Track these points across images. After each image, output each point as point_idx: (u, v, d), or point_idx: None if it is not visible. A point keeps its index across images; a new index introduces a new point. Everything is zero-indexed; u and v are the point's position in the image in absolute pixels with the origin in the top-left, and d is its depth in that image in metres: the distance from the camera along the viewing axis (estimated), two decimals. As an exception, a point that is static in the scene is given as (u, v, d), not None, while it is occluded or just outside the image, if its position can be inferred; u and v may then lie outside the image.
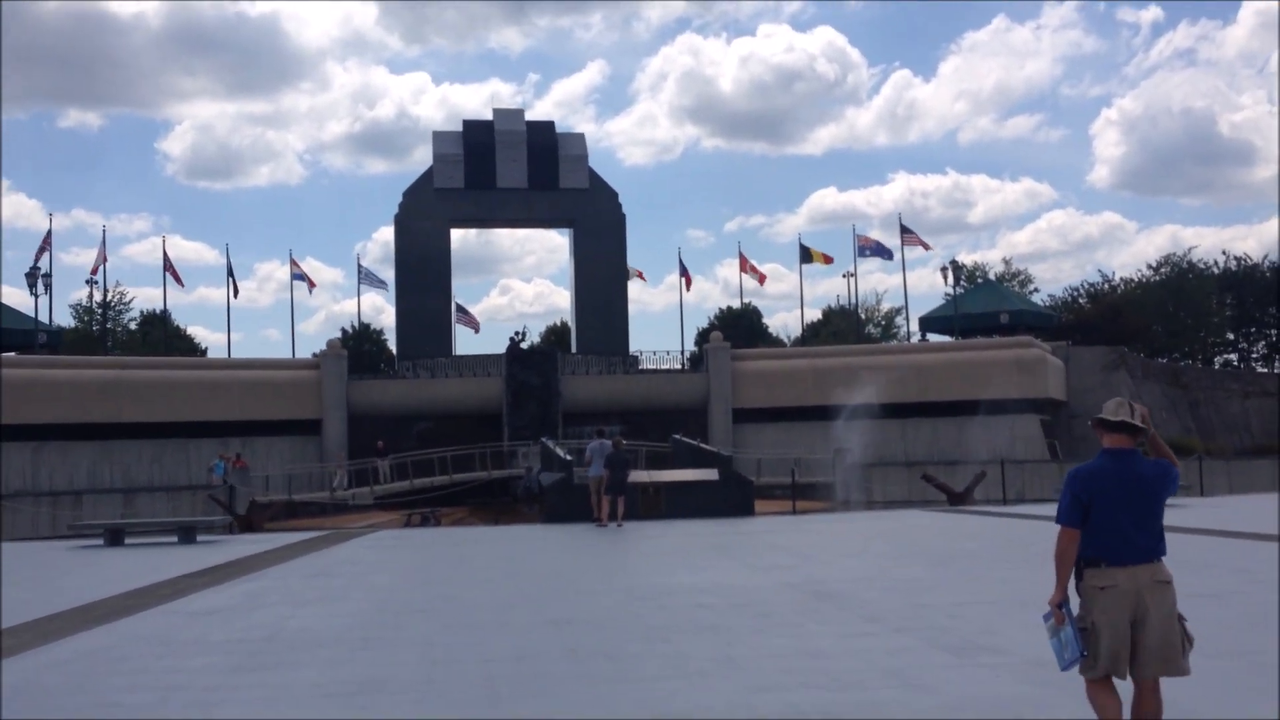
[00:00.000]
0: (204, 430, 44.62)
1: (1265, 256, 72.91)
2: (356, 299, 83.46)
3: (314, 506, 39.34)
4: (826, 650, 8.18)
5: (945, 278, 57.16)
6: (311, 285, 61.76)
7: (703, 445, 28.00)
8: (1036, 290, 74.62)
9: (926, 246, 58.14)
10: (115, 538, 19.93)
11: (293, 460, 45.04)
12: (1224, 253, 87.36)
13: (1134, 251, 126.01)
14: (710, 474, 23.55)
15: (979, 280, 70.14)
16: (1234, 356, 73.05)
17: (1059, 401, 51.27)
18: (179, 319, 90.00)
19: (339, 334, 64.73)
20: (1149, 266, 73.66)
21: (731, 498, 23.18)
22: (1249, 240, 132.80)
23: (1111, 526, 4.99)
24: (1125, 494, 5.01)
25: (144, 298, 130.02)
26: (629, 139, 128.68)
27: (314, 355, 48.70)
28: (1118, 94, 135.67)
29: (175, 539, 20.44)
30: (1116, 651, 4.97)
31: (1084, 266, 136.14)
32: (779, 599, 10.91)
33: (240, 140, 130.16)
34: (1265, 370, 69.19)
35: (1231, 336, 70.93)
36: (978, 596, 10.67)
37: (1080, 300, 72.20)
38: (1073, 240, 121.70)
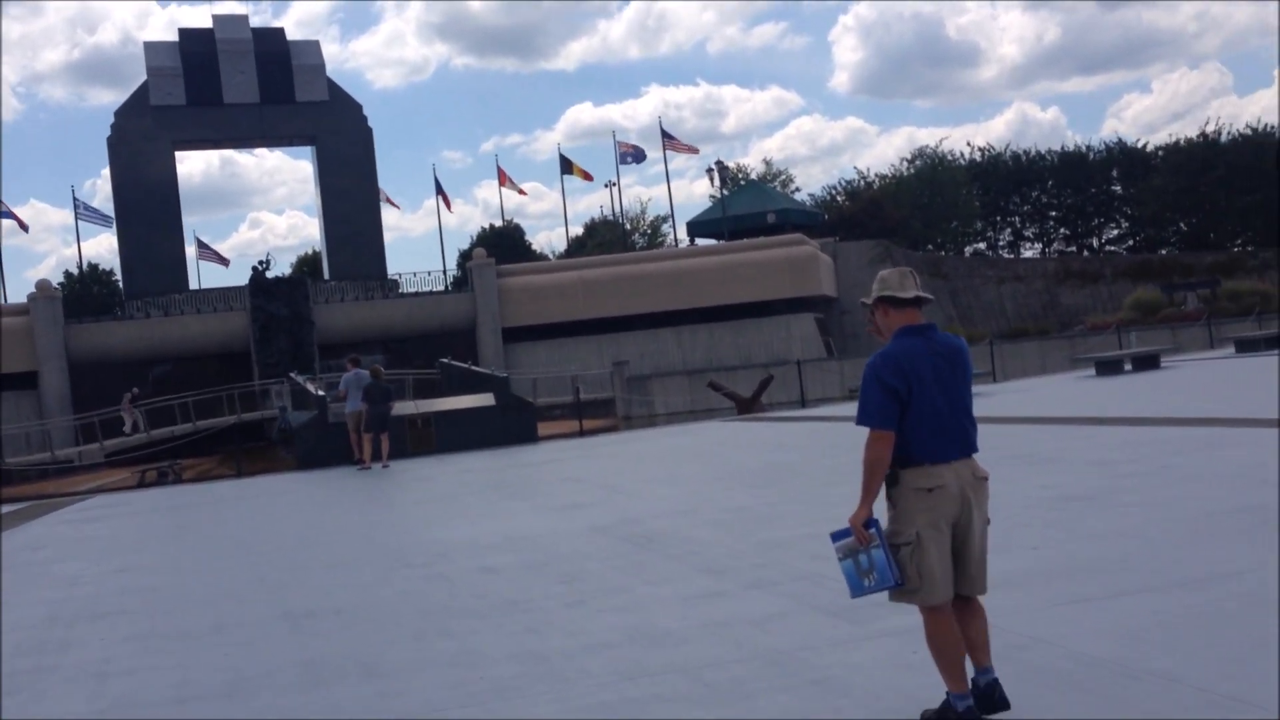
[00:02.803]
0: (-108, 394, 38.56)
1: (1007, 146, 75.39)
2: (76, 239, 75.69)
3: (35, 471, 34.42)
4: (672, 631, 5.90)
5: (711, 179, 56.00)
6: (23, 226, 54.58)
7: (475, 368, 25.32)
8: (799, 190, 74.72)
9: (693, 150, 56.64)
10: None
11: (6, 419, 39.58)
12: (968, 144, 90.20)
13: (876, 154, 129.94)
14: (486, 399, 20.96)
15: (742, 183, 69.46)
16: (983, 245, 75.60)
17: (831, 298, 51.13)
18: None
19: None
20: (904, 160, 74.92)
21: (511, 425, 20.70)
22: (978, 139, 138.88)
23: (932, 417, 4.08)
24: (938, 377, 4.12)
25: None
26: (377, 59, 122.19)
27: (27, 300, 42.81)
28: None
29: None
30: (948, 567, 4.08)
31: (829, 171, 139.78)
32: (589, 550, 8.59)
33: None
34: (1011, 256, 71.87)
35: (980, 225, 73.17)
36: (828, 526, 8.59)
37: (839, 199, 72.76)
38: (820, 146, 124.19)
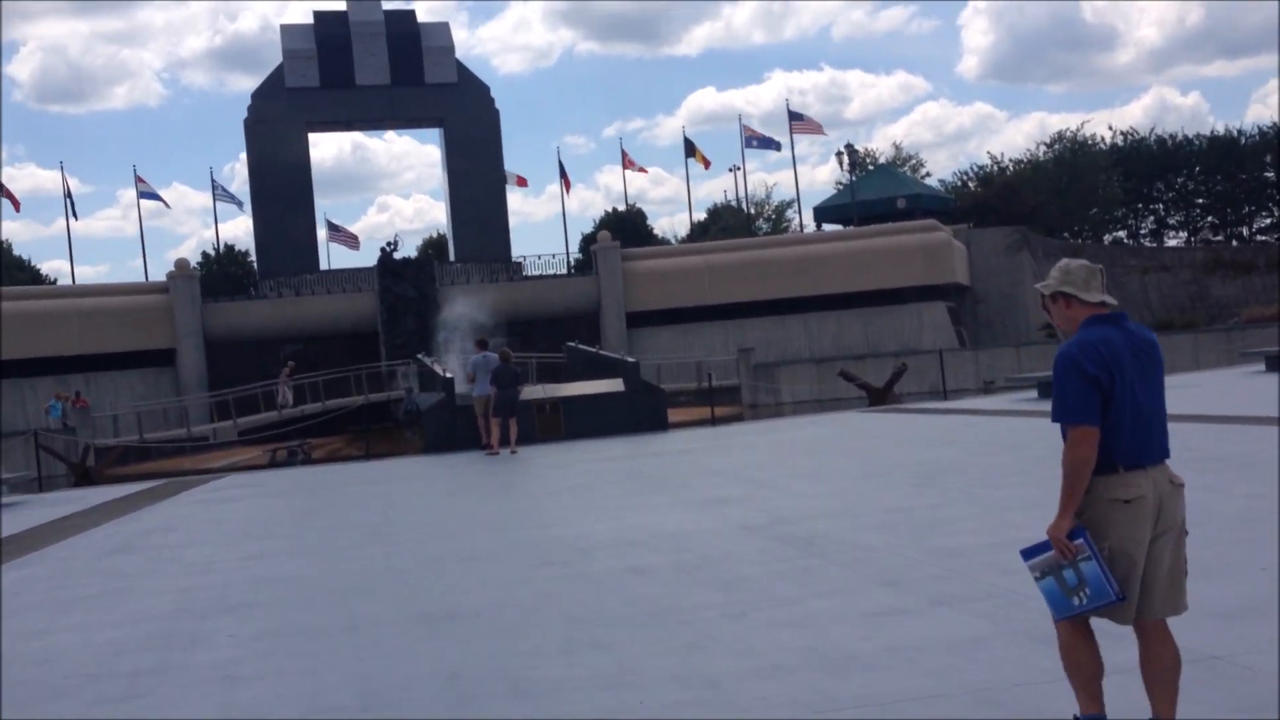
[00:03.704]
0: (41, 368, 39.86)
1: (1151, 130, 72.07)
2: (214, 221, 77.91)
3: (171, 446, 35.19)
4: (856, 655, 5.18)
5: (840, 162, 54.55)
6: (156, 198, 56.04)
7: (603, 352, 24.78)
8: (928, 175, 72.61)
9: (821, 131, 55.28)
10: (-114, 507, 16.03)
11: (145, 396, 40.66)
12: (1110, 127, 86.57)
13: (1005, 140, 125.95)
14: (615, 385, 20.39)
15: (870, 167, 67.74)
16: (1123, 233, 72.46)
17: (964, 287, 49.38)
18: (35, 256, 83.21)
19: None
20: (1040, 144, 72.16)
21: (641, 411, 20.10)
22: (1118, 124, 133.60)
23: (1133, 414, 3.65)
24: (1138, 373, 3.70)
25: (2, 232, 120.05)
26: (503, 45, 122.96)
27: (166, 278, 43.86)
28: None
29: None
30: (1136, 588, 3.64)
31: (956, 158, 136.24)
32: (744, 553, 7.90)
33: (93, 60, 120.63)
34: (1154, 245, 68.69)
35: (1121, 213, 70.09)
36: (1008, 534, 7.72)
37: (971, 184, 70.46)
38: (946, 132, 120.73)
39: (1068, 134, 69.14)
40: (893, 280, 45.48)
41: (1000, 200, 58.76)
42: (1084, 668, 3.74)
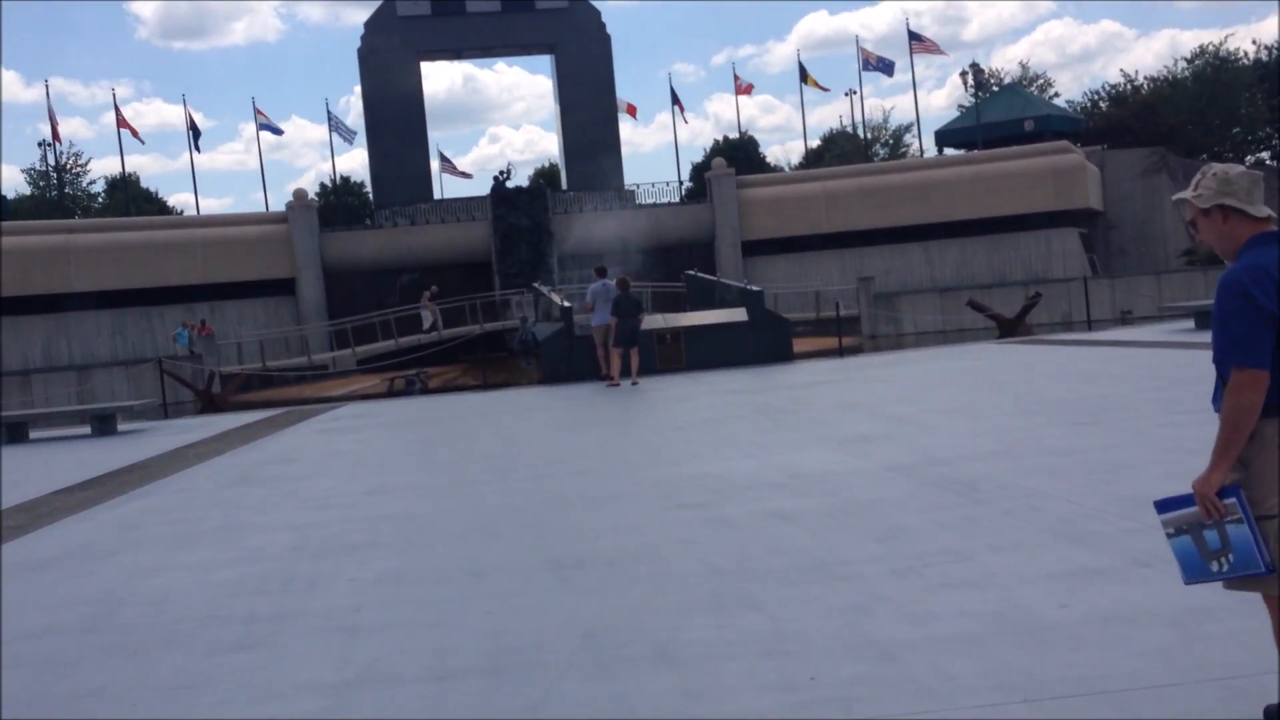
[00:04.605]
0: (168, 296, 40.81)
1: (1300, 44, 67.50)
2: (330, 153, 78.62)
3: (292, 374, 35.67)
4: (1055, 624, 4.47)
5: (965, 83, 52.31)
6: (278, 132, 56.57)
7: (726, 280, 23.99)
8: (1057, 96, 69.35)
9: (941, 52, 52.99)
10: (16, 433, 16.27)
11: (267, 324, 41.33)
12: (1254, 42, 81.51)
13: (1133, 60, 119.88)
14: (738, 314, 19.66)
15: (994, 89, 64.95)
16: (1266, 154, 68.42)
17: (1096, 212, 47.13)
18: (162, 189, 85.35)
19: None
20: (1181, 60, 68.28)
21: (765, 342, 19.35)
22: (1246, 42, 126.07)
23: None
24: None
25: (130, 166, 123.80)
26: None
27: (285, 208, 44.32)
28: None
29: (89, 430, 16.77)
30: None
31: (1081, 79, 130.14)
32: (898, 497, 7.20)
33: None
34: (1302, 168, 64.67)
35: (1265, 132, 66.09)
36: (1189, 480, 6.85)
37: (1102, 105, 67.14)
38: (1070, 52, 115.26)
39: (1209, 49, 65.17)
40: (1020, 206, 43.62)
41: (1136, 120, 55.87)
42: None
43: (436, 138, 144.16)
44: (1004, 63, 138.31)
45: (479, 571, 6.18)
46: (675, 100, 59.29)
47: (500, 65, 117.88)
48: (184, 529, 8.20)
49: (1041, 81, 70.66)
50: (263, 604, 5.84)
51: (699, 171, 66.46)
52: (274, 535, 7.68)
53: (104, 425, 16.48)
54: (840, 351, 22.36)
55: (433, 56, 53.30)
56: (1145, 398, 10.88)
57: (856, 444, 9.50)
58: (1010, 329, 26.71)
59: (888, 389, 14.05)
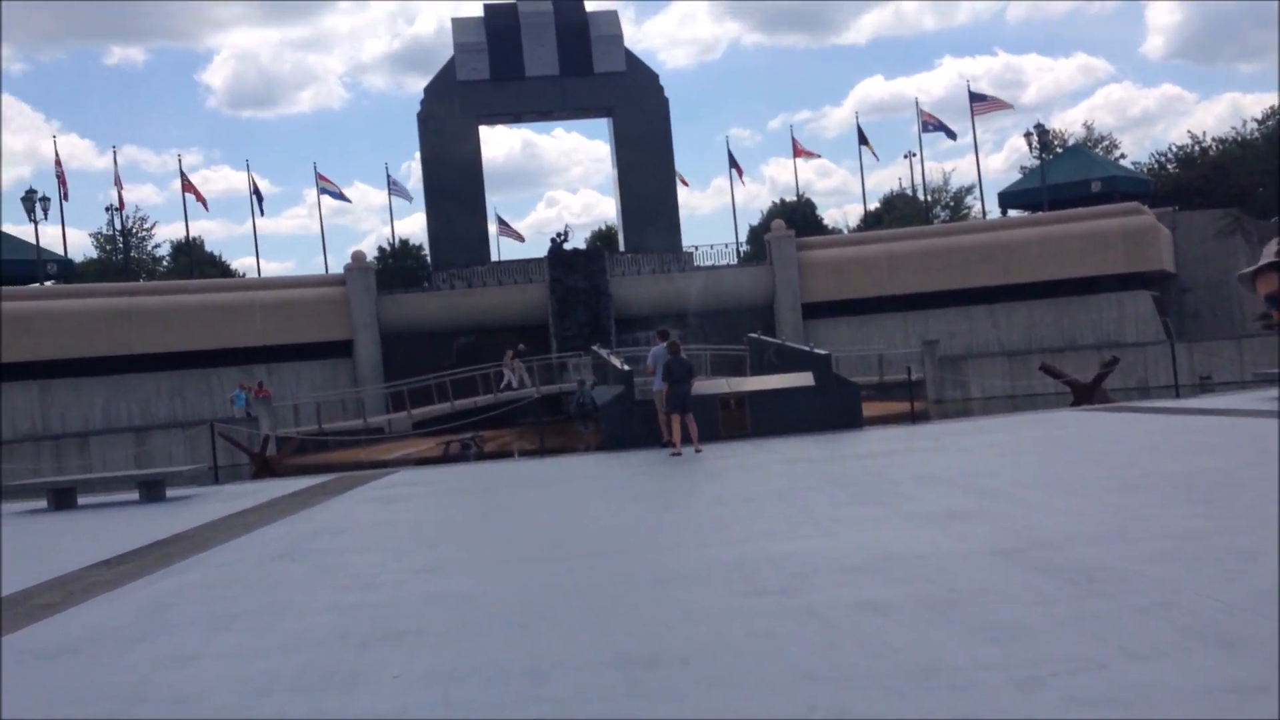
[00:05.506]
0: (226, 358, 40.93)
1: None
2: (390, 216, 79.38)
3: (348, 437, 35.40)
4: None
5: (1030, 143, 51.54)
6: (344, 197, 57.07)
7: (791, 344, 23.30)
8: (1123, 157, 68.25)
9: (1007, 105, 52.24)
10: (64, 499, 15.91)
11: (324, 386, 41.25)
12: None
13: (1194, 123, 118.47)
14: (804, 379, 18.96)
15: (1058, 150, 64.03)
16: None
17: (1169, 274, 45.88)
18: (226, 253, 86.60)
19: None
20: (1252, 121, 66.99)
21: (833, 407, 18.61)
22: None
23: None
24: None
25: (196, 231, 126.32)
26: (670, 40, 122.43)
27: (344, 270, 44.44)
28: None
29: (137, 497, 16.38)
30: None
31: (1141, 142, 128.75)
32: (1004, 587, 6.43)
33: (281, 67, 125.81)
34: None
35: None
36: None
37: (1169, 166, 65.93)
38: (1130, 116, 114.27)
39: (1280, 109, 63.92)
40: (1090, 268, 42.57)
41: (1205, 182, 54.69)
42: None
43: (495, 201, 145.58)
44: (1063, 125, 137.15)
45: (537, 670, 5.51)
46: (733, 163, 59.18)
47: (559, 130, 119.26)
48: (221, 609, 7.62)
49: (1107, 143, 69.63)
50: (296, 705, 5.21)
51: (756, 234, 66.05)
52: (316, 618, 7.06)
53: (152, 491, 16.08)
54: (912, 418, 21.50)
55: (492, 120, 53.67)
56: (1260, 474, 9.98)
57: (946, 521, 8.72)
58: (1086, 395, 25.70)
59: (968, 459, 13.23)
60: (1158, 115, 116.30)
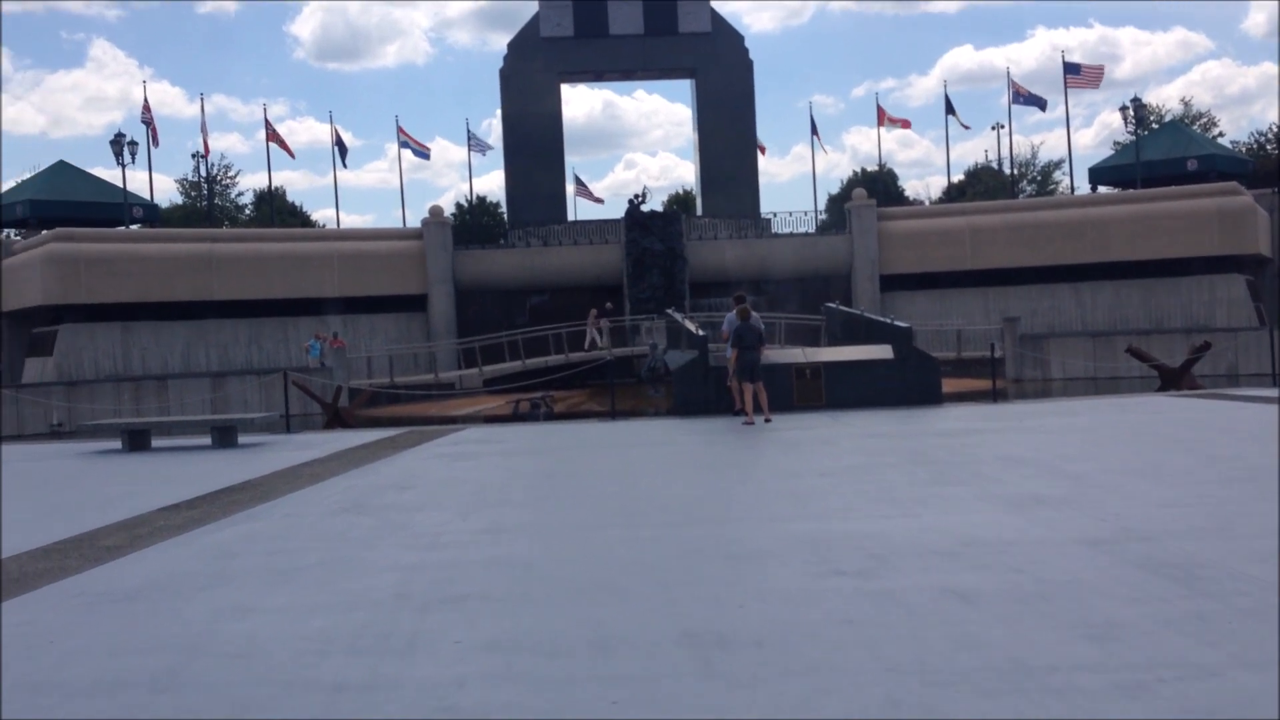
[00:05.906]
0: (303, 308, 41.26)
1: None
2: (469, 172, 79.58)
3: (419, 391, 35.57)
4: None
5: (1125, 119, 49.91)
6: (424, 150, 57.05)
7: (871, 315, 22.77)
8: (1222, 135, 65.95)
9: (1100, 76, 50.59)
10: (138, 441, 16.05)
11: (398, 339, 41.49)
12: None
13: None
14: (883, 351, 18.49)
15: (1154, 125, 62.02)
16: None
17: (1265, 259, 44.27)
18: (307, 204, 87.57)
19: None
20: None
21: (912, 382, 18.13)
22: None
23: None
24: None
25: (279, 181, 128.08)
26: (756, 4, 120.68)
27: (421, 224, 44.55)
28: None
29: (210, 442, 16.49)
30: None
31: (1238, 122, 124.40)
32: (1097, 580, 6.05)
33: (367, 20, 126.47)
34: None
35: None
36: None
37: (1269, 147, 63.55)
38: (1228, 94, 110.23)
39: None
40: (1182, 249, 41.19)
41: (1309, 163, 52.51)
42: None
43: (573, 161, 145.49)
44: (1159, 100, 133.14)
45: (603, 643, 5.27)
46: (814, 130, 58.16)
47: (640, 92, 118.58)
48: (282, 562, 7.50)
49: (1205, 120, 67.29)
50: (354, 668, 5.03)
51: (835, 203, 65.07)
52: (378, 577, 6.91)
53: (225, 437, 16.17)
54: (994, 396, 20.90)
55: (574, 78, 53.27)
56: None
57: (1033, 507, 8.32)
58: (1174, 380, 24.84)
59: (1054, 441, 12.73)
60: (1257, 94, 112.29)
